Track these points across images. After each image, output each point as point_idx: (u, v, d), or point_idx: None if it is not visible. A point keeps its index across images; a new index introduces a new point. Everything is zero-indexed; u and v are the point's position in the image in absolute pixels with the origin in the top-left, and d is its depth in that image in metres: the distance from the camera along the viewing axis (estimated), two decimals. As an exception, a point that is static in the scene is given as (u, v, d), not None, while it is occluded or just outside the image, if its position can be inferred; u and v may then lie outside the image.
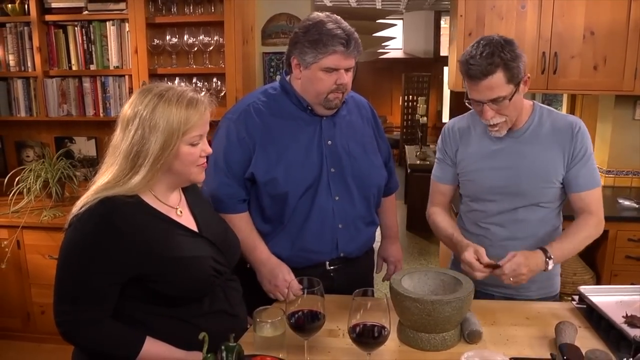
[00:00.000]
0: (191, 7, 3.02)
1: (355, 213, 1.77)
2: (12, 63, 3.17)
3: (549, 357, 1.29)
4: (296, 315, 1.26)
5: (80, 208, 1.28)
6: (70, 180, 3.15)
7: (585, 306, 1.57)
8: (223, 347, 1.13)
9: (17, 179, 3.03)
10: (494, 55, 1.49)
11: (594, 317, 1.51)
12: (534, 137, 1.66)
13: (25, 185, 3.03)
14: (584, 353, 1.19)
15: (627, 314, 1.44)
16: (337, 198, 1.73)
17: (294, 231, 1.72)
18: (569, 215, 1.74)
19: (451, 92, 6.52)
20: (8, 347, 3.05)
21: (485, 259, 1.52)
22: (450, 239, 1.71)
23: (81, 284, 1.26)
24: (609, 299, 1.54)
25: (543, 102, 6.63)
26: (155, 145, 1.28)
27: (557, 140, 1.65)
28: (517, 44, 1.55)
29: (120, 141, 1.30)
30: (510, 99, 1.54)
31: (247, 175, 1.70)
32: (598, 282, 2.72)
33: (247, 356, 1.15)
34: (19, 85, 3.20)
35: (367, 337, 1.18)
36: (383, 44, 6.85)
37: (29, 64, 3.15)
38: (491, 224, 1.74)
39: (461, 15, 2.72)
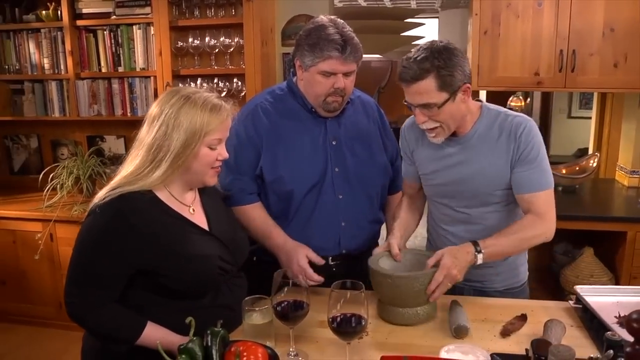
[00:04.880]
0: (213, 10, 3.13)
1: (359, 211, 1.81)
2: (46, 66, 3.36)
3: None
4: (282, 305, 1.31)
5: (103, 199, 1.36)
6: (100, 177, 3.31)
7: (581, 306, 1.57)
8: (209, 332, 1.20)
9: (51, 176, 3.20)
10: (427, 60, 1.47)
11: (587, 316, 1.50)
12: (480, 143, 1.62)
13: (59, 182, 3.20)
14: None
15: (619, 315, 1.42)
16: (340, 196, 1.78)
17: (298, 228, 1.77)
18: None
19: (487, 91, 6.46)
20: (42, 333, 3.24)
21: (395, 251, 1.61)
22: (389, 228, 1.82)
23: (90, 269, 1.36)
24: (607, 299, 1.53)
25: (581, 101, 6.37)
26: (177, 143, 1.36)
27: (503, 143, 1.60)
28: (461, 53, 1.51)
29: (145, 135, 1.39)
30: (440, 107, 1.51)
31: (257, 172, 1.76)
32: (617, 284, 2.66)
33: (231, 341, 1.21)
34: (53, 87, 3.39)
35: (346, 327, 1.22)
36: (413, 43, 6.81)
37: (62, 66, 3.33)
38: (450, 225, 1.73)
39: (476, 14, 2.71)
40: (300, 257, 1.67)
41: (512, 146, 1.59)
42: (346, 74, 1.68)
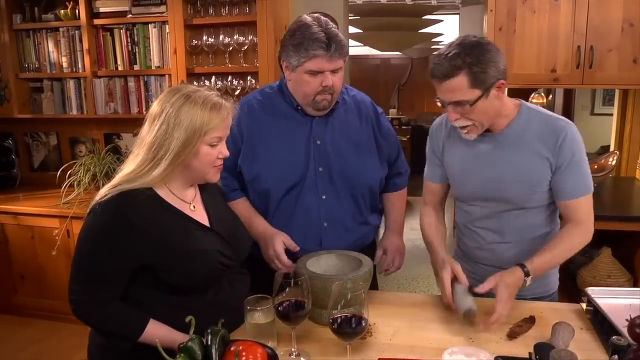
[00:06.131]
0: (227, 9, 3.14)
1: (343, 212, 1.79)
2: (65, 65, 3.42)
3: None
4: (284, 305, 1.31)
5: (103, 197, 1.38)
6: (116, 174, 3.34)
7: (593, 308, 1.53)
8: (209, 331, 1.20)
9: (69, 173, 3.25)
10: (458, 57, 1.42)
11: (597, 319, 1.47)
12: (518, 142, 1.57)
13: (76, 179, 3.24)
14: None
15: (631, 318, 1.39)
16: (324, 197, 1.77)
17: (279, 226, 1.76)
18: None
19: (508, 88, 6.41)
20: (60, 328, 3.29)
21: (464, 281, 1.50)
22: (429, 246, 1.70)
23: (93, 267, 1.37)
24: (620, 302, 1.49)
25: (605, 98, 6.27)
26: (178, 142, 1.36)
27: (543, 145, 1.55)
28: (495, 49, 1.47)
29: (146, 134, 1.40)
30: (473, 105, 1.47)
31: (238, 169, 1.78)
32: (635, 286, 2.60)
33: (231, 341, 1.21)
34: (71, 85, 3.45)
35: (346, 328, 1.22)
36: (432, 40, 6.76)
37: (80, 65, 3.38)
38: (479, 227, 1.69)
39: (491, 10, 2.67)
40: (276, 244, 1.69)
41: (553, 152, 1.55)
42: (334, 72, 1.67)
